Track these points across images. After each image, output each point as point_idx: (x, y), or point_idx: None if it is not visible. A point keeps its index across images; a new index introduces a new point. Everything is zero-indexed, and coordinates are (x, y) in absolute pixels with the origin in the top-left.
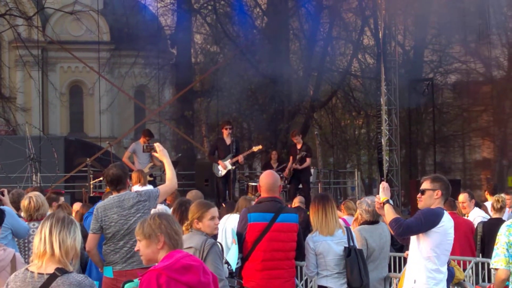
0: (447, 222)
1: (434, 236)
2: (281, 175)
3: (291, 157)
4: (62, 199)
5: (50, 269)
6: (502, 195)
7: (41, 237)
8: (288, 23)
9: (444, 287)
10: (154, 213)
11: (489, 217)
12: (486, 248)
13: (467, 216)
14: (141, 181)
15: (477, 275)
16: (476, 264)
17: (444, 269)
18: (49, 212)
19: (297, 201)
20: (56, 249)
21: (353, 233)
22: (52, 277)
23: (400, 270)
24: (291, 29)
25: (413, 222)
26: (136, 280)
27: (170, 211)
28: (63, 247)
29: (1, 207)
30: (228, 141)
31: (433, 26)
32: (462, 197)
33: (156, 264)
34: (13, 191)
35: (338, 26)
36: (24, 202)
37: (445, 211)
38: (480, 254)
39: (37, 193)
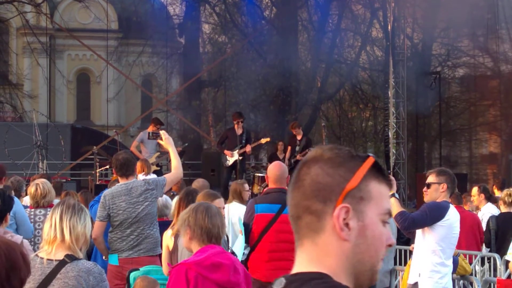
0: (452, 215)
1: (439, 230)
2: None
3: (289, 148)
4: None
5: (60, 255)
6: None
7: (52, 223)
8: (296, 14)
9: (449, 281)
10: (196, 204)
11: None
12: (499, 242)
13: (479, 210)
14: (145, 170)
15: (488, 269)
16: (482, 258)
17: (449, 262)
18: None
19: None
20: (67, 235)
21: None
22: (62, 263)
23: (406, 263)
24: (299, 20)
25: (418, 215)
26: (141, 269)
27: (172, 200)
28: (74, 233)
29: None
30: (239, 131)
31: (442, 20)
32: (473, 190)
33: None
34: (12, 178)
35: (347, 18)
36: (31, 189)
37: (451, 205)
38: (494, 249)
39: (43, 180)
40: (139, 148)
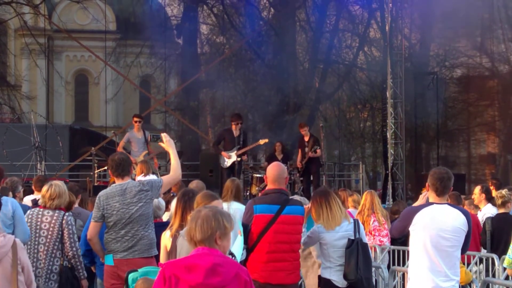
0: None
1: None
2: (289, 169)
3: (299, 150)
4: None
5: None
6: (504, 190)
7: None
8: (294, 15)
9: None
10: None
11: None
12: (495, 243)
13: (480, 210)
14: (144, 172)
15: (487, 270)
16: (481, 258)
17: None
18: (76, 203)
19: None
20: None
21: (361, 225)
22: None
23: (404, 263)
24: (297, 21)
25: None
26: (140, 270)
27: (172, 202)
28: None
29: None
30: (236, 133)
31: (439, 20)
32: (476, 189)
33: None
34: (8, 179)
35: (345, 19)
36: (44, 188)
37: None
38: (489, 250)
39: (59, 182)
40: (128, 149)
